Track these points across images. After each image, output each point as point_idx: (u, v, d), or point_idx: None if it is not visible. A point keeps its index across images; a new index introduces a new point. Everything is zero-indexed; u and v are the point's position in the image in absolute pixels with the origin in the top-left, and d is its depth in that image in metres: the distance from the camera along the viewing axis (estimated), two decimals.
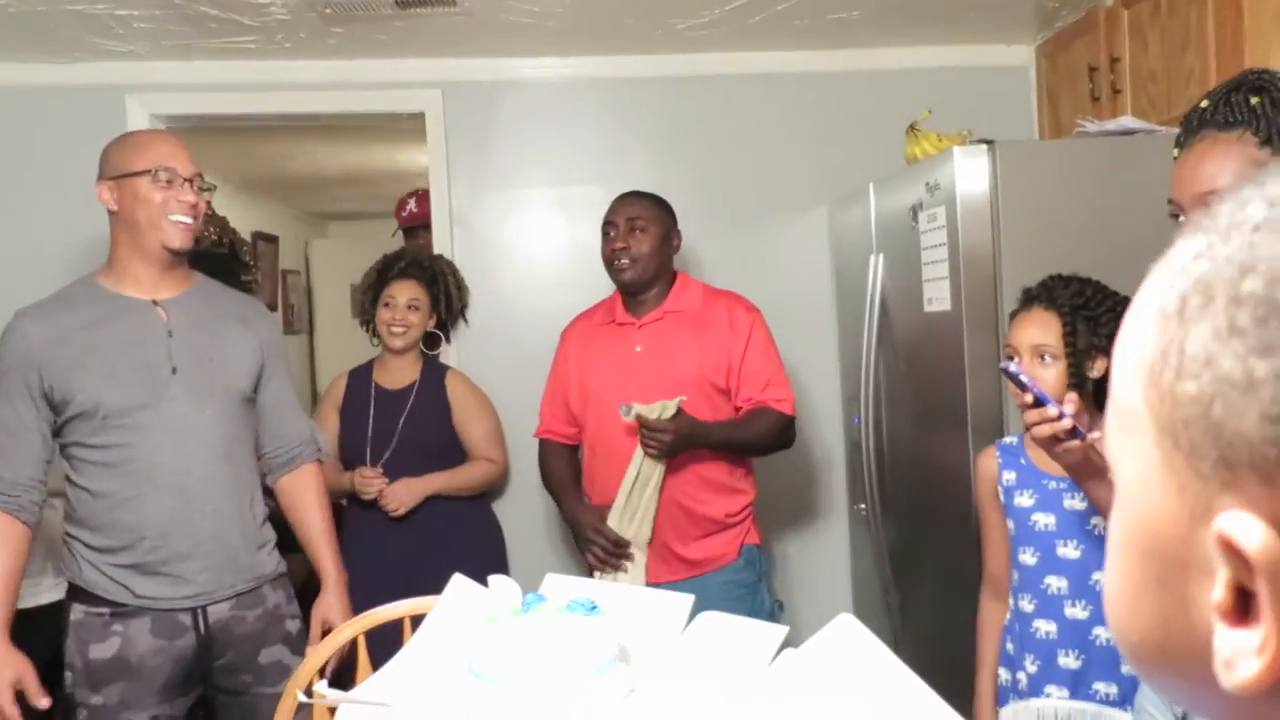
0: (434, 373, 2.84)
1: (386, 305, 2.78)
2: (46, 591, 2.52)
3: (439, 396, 2.80)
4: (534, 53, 3.11)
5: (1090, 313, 1.73)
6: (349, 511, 2.77)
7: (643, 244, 2.45)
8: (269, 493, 2.20)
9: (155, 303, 1.97)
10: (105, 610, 1.91)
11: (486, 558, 2.78)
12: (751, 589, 2.43)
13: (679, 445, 2.32)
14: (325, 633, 2.09)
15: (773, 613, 2.46)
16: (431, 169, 3.17)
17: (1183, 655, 0.36)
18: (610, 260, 2.48)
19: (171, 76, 3.02)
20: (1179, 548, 0.36)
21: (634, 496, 2.36)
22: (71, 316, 1.92)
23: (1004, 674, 1.86)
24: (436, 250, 3.15)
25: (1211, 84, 2.16)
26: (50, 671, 2.47)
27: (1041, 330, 1.74)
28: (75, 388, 1.86)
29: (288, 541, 3.45)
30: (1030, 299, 1.79)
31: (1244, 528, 0.32)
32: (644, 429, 2.29)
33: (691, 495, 2.40)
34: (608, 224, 2.51)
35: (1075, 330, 1.71)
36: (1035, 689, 1.78)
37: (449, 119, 3.14)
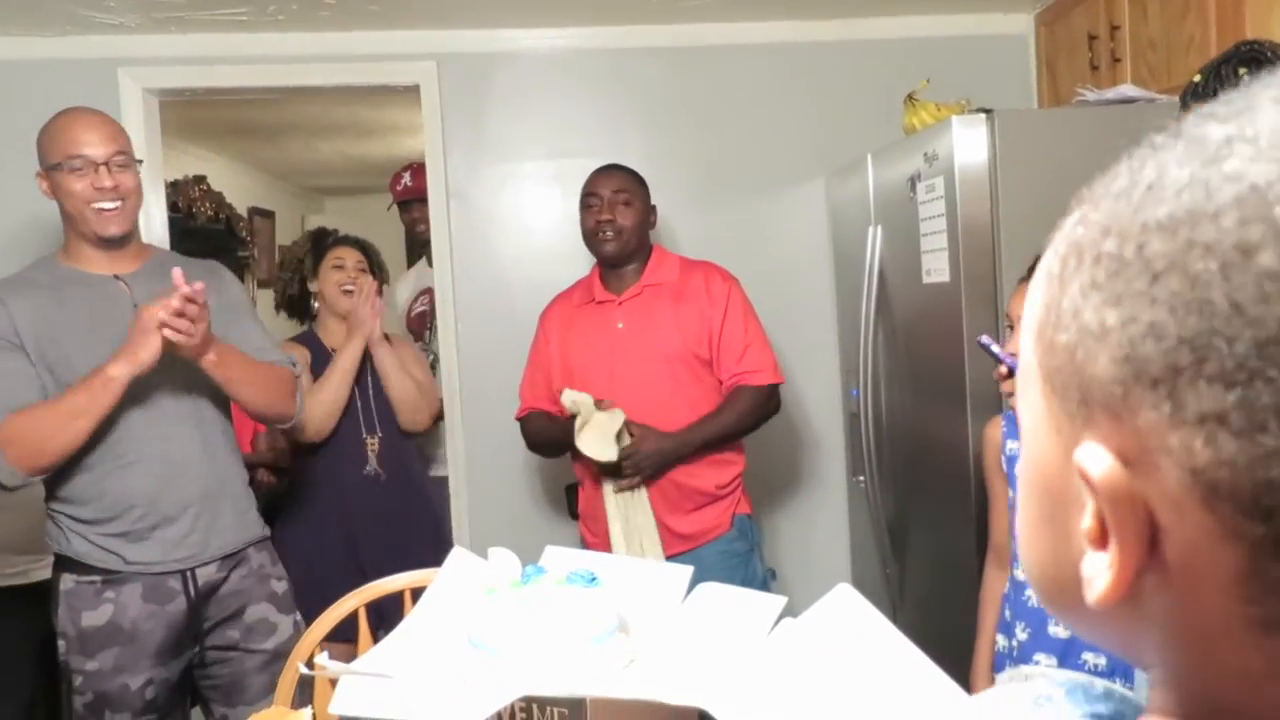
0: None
1: (338, 267, 2.74)
2: (42, 568, 2.53)
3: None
4: (528, 23, 3.09)
5: None
6: (299, 496, 2.73)
7: (627, 217, 2.43)
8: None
9: (117, 277, 1.99)
10: (96, 578, 1.94)
11: (436, 528, 2.82)
12: (745, 558, 2.45)
13: (659, 465, 2.36)
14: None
15: (765, 581, 2.47)
16: (427, 142, 3.15)
17: (1070, 586, 0.39)
18: (594, 233, 2.46)
19: (164, 50, 2.99)
20: (1060, 485, 0.39)
21: (630, 531, 2.36)
22: (41, 294, 1.94)
23: (1001, 641, 1.87)
24: (434, 224, 3.14)
25: (1212, 52, 2.15)
26: (48, 647, 2.49)
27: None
28: (53, 361, 1.89)
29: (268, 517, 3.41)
30: (1030, 270, 1.79)
31: (1092, 457, 0.36)
32: (621, 462, 2.32)
33: (681, 469, 2.40)
34: (590, 195, 2.48)
35: None
36: (1024, 656, 1.80)
37: (444, 91, 3.12)
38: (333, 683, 1.37)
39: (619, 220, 2.43)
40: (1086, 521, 0.37)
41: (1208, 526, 0.34)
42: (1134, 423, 0.35)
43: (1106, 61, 2.68)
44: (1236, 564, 0.33)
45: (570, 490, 2.74)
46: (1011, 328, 1.75)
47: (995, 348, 1.60)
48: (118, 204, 1.93)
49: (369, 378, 2.72)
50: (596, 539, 2.45)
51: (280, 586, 2.12)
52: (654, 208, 2.55)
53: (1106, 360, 0.36)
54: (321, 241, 2.82)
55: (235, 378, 2.00)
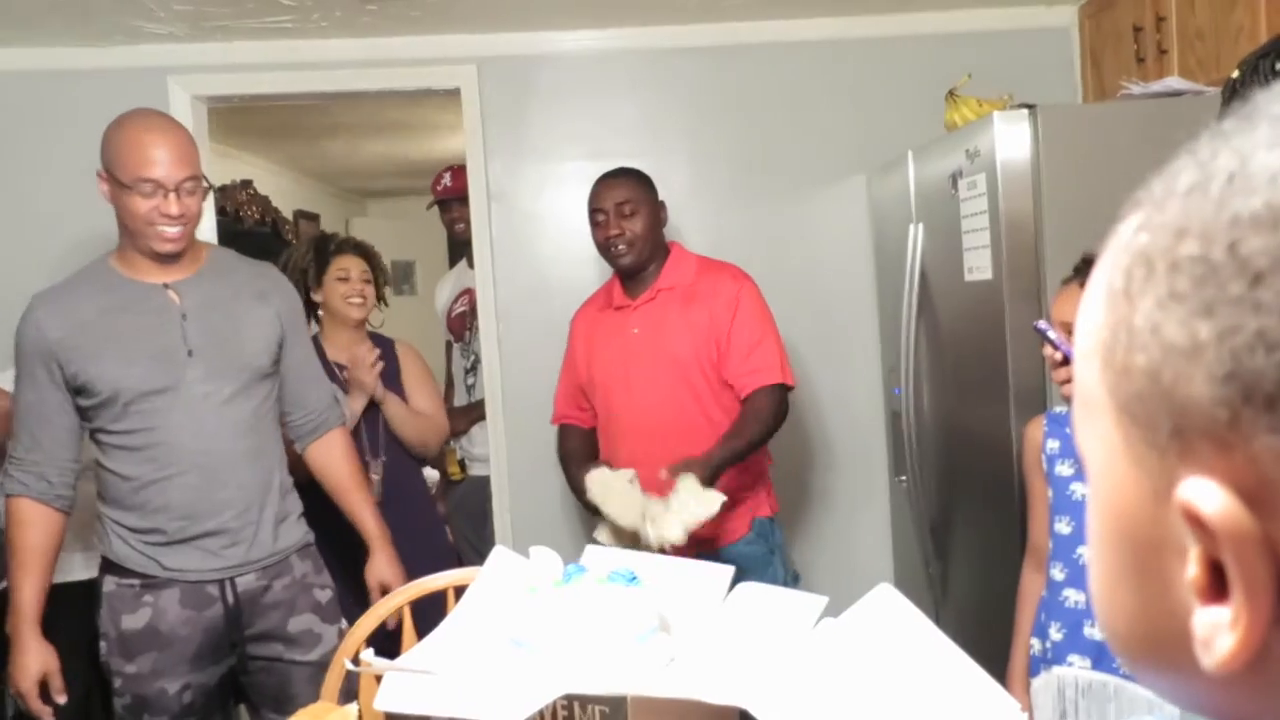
0: (382, 342, 2.81)
1: (342, 279, 2.74)
2: (78, 569, 2.58)
3: (393, 364, 2.80)
4: (568, 25, 3.10)
5: None
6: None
7: (635, 225, 2.41)
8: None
9: (167, 286, 1.97)
10: (136, 582, 1.95)
11: (439, 545, 2.83)
12: (763, 561, 2.39)
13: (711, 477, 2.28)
14: (383, 593, 2.11)
15: (787, 585, 2.41)
16: (468, 145, 3.18)
17: (1168, 644, 0.35)
18: (606, 248, 2.45)
19: (211, 58, 3.05)
20: (1149, 529, 0.35)
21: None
22: (87, 303, 1.92)
23: (1035, 644, 1.85)
24: (475, 226, 3.17)
25: (1262, 41, 2.10)
26: (81, 647, 2.55)
27: (1072, 308, 1.69)
28: (94, 376, 1.88)
29: None
30: (1075, 272, 1.76)
31: (1203, 494, 0.32)
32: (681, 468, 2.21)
33: None
34: (595, 211, 2.46)
35: None
36: (1059, 657, 1.78)
37: (485, 94, 3.15)
38: (378, 679, 1.40)
39: (627, 232, 2.41)
40: (1191, 570, 0.32)
41: None
42: (1248, 451, 0.31)
43: (1153, 54, 2.63)
44: None
45: None
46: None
47: (1052, 333, 1.58)
48: (180, 228, 1.91)
49: (376, 405, 2.73)
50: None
51: (324, 595, 2.09)
52: (663, 205, 2.52)
53: (1204, 380, 0.31)
54: (324, 250, 2.80)
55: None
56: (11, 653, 1.92)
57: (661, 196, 2.57)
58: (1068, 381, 1.58)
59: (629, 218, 2.42)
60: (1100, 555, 0.38)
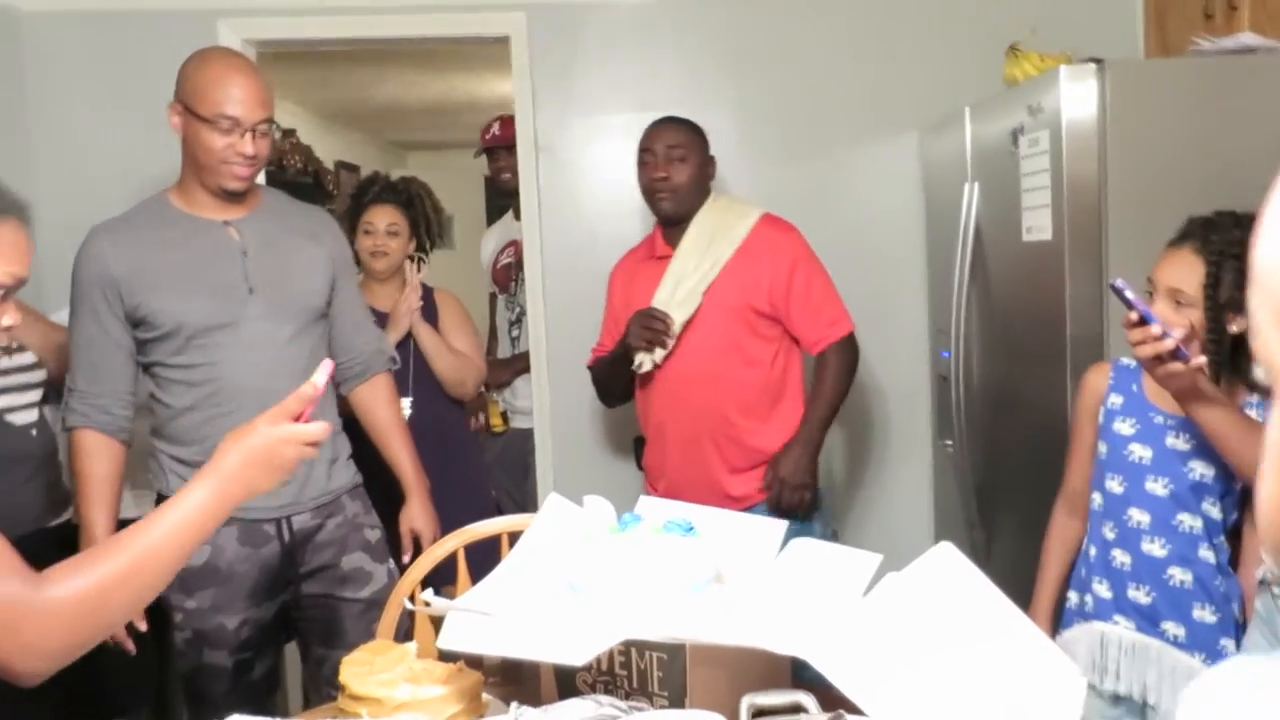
0: (422, 290, 2.85)
1: (366, 232, 2.80)
2: (127, 506, 2.60)
3: (431, 312, 2.85)
4: None
5: (1245, 264, 1.66)
6: None
7: (682, 173, 2.42)
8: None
9: (227, 223, 1.99)
10: None
11: (474, 490, 2.85)
12: (797, 518, 2.38)
13: (809, 476, 2.38)
14: (415, 541, 2.14)
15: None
16: (515, 94, 3.14)
17: None
18: (650, 190, 2.46)
19: (261, 1, 3.03)
20: None
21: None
22: (148, 236, 1.94)
23: (1073, 596, 1.84)
24: (522, 177, 3.15)
25: None
26: None
27: (1183, 273, 1.64)
28: (157, 309, 1.90)
29: None
30: (1183, 235, 1.70)
31: None
32: (785, 492, 2.35)
33: (740, 425, 2.41)
34: (645, 151, 2.47)
35: (1219, 280, 1.61)
36: (1103, 614, 1.76)
37: (533, 43, 3.11)
38: (433, 621, 1.41)
39: (674, 177, 2.42)
40: None
41: None
42: None
43: (1222, 9, 2.54)
44: None
45: (638, 443, 2.76)
46: (1150, 293, 1.68)
47: (1130, 293, 1.54)
48: (251, 168, 1.94)
49: (409, 341, 2.78)
50: (657, 494, 2.45)
51: (374, 535, 2.13)
52: (712, 159, 2.52)
53: None
54: (359, 201, 2.85)
55: None
56: None
57: (709, 150, 2.55)
58: (1143, 342, 1.54)
59: (677, 163, 2.42)
60: None
